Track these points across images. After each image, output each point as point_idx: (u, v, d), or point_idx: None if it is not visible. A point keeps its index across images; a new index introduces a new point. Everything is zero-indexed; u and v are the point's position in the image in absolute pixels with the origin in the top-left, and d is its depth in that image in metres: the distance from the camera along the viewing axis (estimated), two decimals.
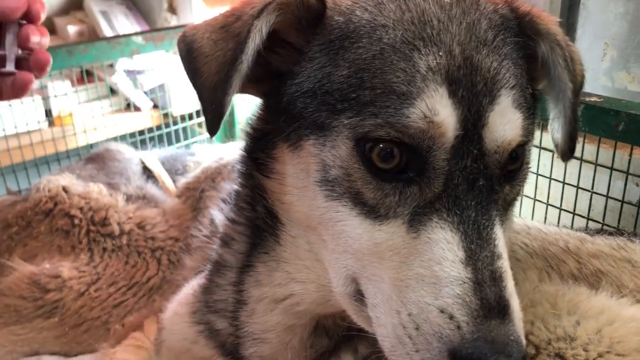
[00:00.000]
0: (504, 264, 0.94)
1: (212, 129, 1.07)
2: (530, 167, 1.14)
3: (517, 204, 2.01)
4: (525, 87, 1.06)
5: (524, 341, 0.90)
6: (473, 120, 0.95)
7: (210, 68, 1.06)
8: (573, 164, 1.87)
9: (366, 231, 0.98)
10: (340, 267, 1.04)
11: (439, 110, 0.93)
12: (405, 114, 0.93)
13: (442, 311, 0.89)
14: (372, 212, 0.97)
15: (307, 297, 1.19)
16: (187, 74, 1.11)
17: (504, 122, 0.97)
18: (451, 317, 0.88)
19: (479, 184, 0.95)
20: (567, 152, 1.19)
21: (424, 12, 1.00)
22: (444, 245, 0.92)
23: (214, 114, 1.05)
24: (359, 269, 1.01)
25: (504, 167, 1.01)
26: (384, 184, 0.97)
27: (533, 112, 1.10)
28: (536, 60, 1.15)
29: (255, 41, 1.02)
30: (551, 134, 1.20)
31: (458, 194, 0.94)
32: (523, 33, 1.11)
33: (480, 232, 0.93)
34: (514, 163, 1.03)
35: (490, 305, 0.88)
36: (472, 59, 0.97)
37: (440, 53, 0.96)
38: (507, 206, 1.06)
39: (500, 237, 0.95)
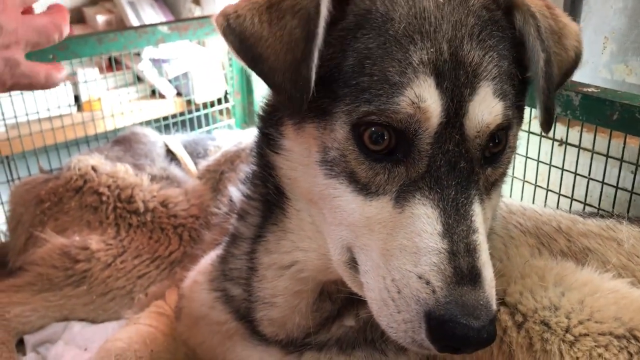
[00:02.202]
0: (479, 237, 1.02)
1: (300, 105, 1.06)
2: (513, 151, 1.19)
3: (519, 189, 2.10)
4: (512, 76, 1.12)
5: (493, 306, 0.99)
6: (455, 110, 1.03)
7: (276, 49, 1.07)
8: (571, 151, 1.94)
9: (359, 206, 1.08)
10: (336, 238, 1.13)
11: (426, 97, 1.01)
12: (395, 102, 1.01)
13: (420, 277, 0.99)
14: (365, 189, 1.07)
15: (310, 264, 1.28)
16: (249, 63, 1.11)
17: (482, 109, 1.05)
18: (428, 283, 0.98)
19: (459, 166, 1.04)
20: (543, 123, 1.22)
21: (425, 9, 1.08)
22: (424, 219, 1.01)
23: (302, 91, 1.05)
24: (353, 239, 1.10)
25: (484, 151, 1.09)
26: (375, 164, 1.06)
27: (520, 99, 1.17)
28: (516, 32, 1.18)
29: (325, 17, 1.05)
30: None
31: (440, 174, 1.03)
32: (504, 12, 1.15)
33: (458, 208, 1.02)
34: (496, 146, 1.11)
35: (462, 273, 0.98)
36: (457, 54, 1.05)
37: (432, 49, 1.04)
38: (489, 186, 1.14)
39: (477, 214, 1.04)
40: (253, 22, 1.09)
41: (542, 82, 1.17)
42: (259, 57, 1.08)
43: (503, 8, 1.16)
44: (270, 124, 1.25)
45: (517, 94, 1.13)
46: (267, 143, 1.26)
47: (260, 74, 1.12)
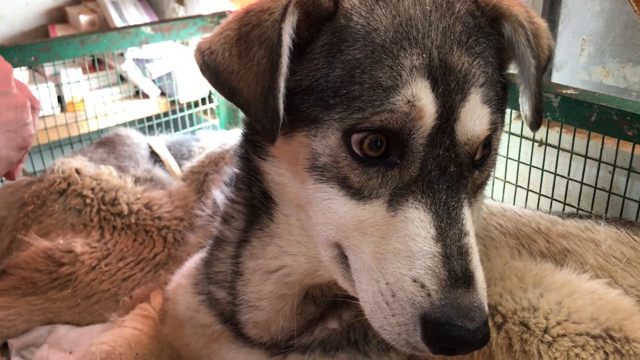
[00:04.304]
0: (471, 240, 1.04)
1: (272, 136, 1.09)
2: (497, 154, 1.22)
3: (500, 189, 2.13)
4: (497, 82, 1.15)
5: (486, 308, 1.01)
6: (447, 115, 1.05)
7: (248, 82, 1.09)
8: (551, 152, 1.97)
9: (351, 209, 1.08)
10: (323, 236, 1.14)
11: (421, 97, 1.03)
12: (391, 102, 1.02)
13: (415, 281, 1.00)
14: (357, 193, 1.07)
15: (298, 268, 1.29)
16: (227, 96, 1.14)
17: (474, 117, 1.07)
18: (423, 286, 0.99)
19: (450, 170, 1.06)
20: (534, 123, 1.26)
21: (411, 17, 1.09)
22: (417, 223, 1.02)
23: (271, 121, 1.07)
24: (341, 239, 1.11)
25: (473, 156, 1.11)
26: (369, 168, 1.06)
27: (502, 104, 1.19)
28: (503, 39, 1.22)
29: (287, 44, 1.07)
30: (521, 107, 1.27)
31: (431, 178, 1.04)
32: (489, 20, 1.18)
33: (450, 212, 1.03)
34: (483, 150, 1.13)
35: (457, 276, 0.99)
36: (446, 60, 1.06)
37: (424, 55, 1.05)
38: (476, 189, 1.16)
39: (467, 217, 1.06)
40: (224, 57, 1.11)
41: (534, 87, 1.20)
42: (234, 91, 1.11)
43: (489, 17, 1.18)
44: (257, 131, 1.25)
45: (499, 99, 1.16)
46: (253, 149, 1.26)
47: (238, 105, 1.15)
